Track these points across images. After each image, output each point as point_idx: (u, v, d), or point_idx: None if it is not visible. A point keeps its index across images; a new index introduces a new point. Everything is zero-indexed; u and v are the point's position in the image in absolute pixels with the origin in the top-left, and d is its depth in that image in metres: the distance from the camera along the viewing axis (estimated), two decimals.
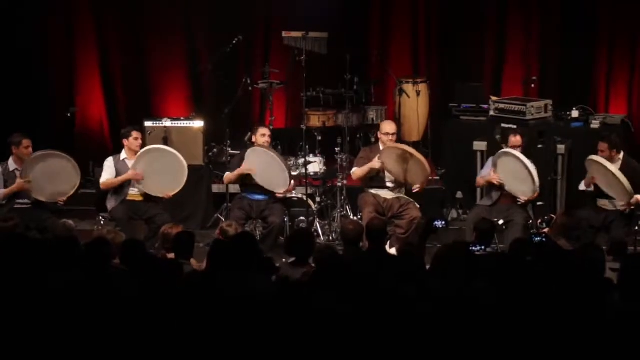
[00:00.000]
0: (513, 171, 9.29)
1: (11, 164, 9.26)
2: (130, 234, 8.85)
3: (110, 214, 9.49)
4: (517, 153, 9.34)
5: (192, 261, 7.26)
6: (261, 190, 9.57)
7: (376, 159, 9.47)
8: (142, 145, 9.70)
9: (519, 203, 9.32)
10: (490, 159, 9.60)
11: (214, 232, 9.42)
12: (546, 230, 8.73)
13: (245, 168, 9.55)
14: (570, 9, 11.77)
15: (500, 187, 9.41)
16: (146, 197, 9.49)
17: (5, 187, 9.17)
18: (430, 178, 10.23)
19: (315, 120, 11.03)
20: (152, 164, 9.43)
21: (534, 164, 9.28)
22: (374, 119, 11.17)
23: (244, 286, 5.87)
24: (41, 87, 12.06)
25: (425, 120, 11.57)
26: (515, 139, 9.49)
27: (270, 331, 5.04)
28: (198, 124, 10.96)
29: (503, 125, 10.30)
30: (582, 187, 9.42)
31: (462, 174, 10.78)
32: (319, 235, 9.83)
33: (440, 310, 5.29)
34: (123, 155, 9.53)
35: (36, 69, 12.03)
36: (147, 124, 10.79)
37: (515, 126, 10.32)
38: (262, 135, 9.73)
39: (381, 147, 9.61)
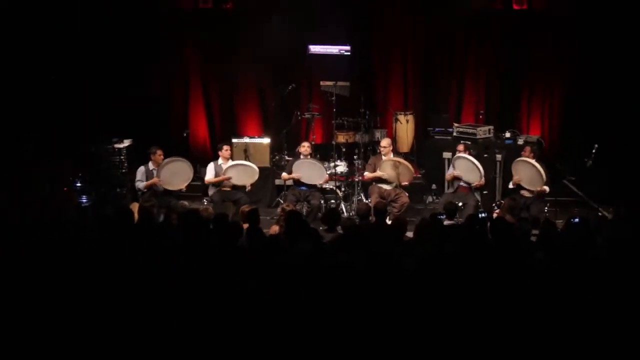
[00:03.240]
0: (465, 167, 9.24)
1: (150, 165, 9.24)
2: (223, 210, 8.81)
3: (211, 198, 9.47)
4: (466, 155, 9.33)
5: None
6: (306, 184, 9.60)
7: (379, 171, 9.47)
8: (230, 155, 9.67)
9: (473, 187, 9.21)
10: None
11: (277, 209, 9.54)
12: (498, 211, 8.74)
13: (295, 176, 9.57)
14: (506, 67, 11.69)
15: (459, 179, 9.36)
16: (234, 187, 9.47)
17: (147, 180, 9.15)
18: (415, 175, 10.21)
19: (341, 138, 10.90)
20: (238, 169, 9.44)
21: (480, 163, 9.21)
22: (379, 137, 11.03)
23: (294, 245, 5.89)
24: (168, 116, 12.03)
25: (412, 138, 11.44)
26: (460, 147, 9.58)
27: (309, 276, 4.98)
28: (266, 140, 10.91)
29: (462, 141, 10.34)
30: (510, 185, 9.36)
31: (436, 173, 10.69)
32: (343, 212, 9.76)
33: (420, 264, 5.29)
34: (219, 161, 9.53)
35: (163, 104, 11.97)
36: (234, 140, 10.73)
37: (469, 142, 10.37)
38: (306, 147, 9.78)
39: (383, 158, 9.64)
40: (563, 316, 4.61)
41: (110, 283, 4.97)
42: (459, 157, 9.34)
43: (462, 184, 9.42)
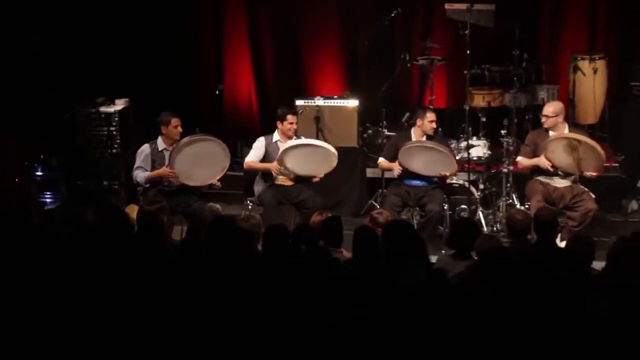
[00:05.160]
0: None
1: (160, 143, 9.32)
2: (279, 219, 8.89)
3: (258, 198, 9.57)
4: None
5: (344, 251, 7.21)
6: (420, 175, 9.55)
7: (544, 159, 9.39)
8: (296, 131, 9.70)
9: None
10: None
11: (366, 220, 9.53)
12: None
13: (400, 167, 9.55)
14: None
15: None
16: (296, 179, 9.55)
17: (153, 167, 9.22)
18: (607, 165, 10.07)
19: (479, 99, 10.96)
20: (300, 153, 9.44)
21: None
22: (545, 99, 10.99)
23: (398, 279, 5.86)
24: (189, 62, 12.25)
25: (602, 100, 11.42)
26: None
27: (422, 327, 5.02)
28: (352, 103, 11.05)
29: None
30: None
31: None
32: (482, 225, 9.75)
33: (619, 308, 5.24)
34: (276, 137, 9.59)
35: (184, 42, 12.20)
36: (298, 102, 10.89)
37: None
38: (430, 121, 9.64)
39: (550, 133, 9.50)
40: None
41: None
42: None
43: None
